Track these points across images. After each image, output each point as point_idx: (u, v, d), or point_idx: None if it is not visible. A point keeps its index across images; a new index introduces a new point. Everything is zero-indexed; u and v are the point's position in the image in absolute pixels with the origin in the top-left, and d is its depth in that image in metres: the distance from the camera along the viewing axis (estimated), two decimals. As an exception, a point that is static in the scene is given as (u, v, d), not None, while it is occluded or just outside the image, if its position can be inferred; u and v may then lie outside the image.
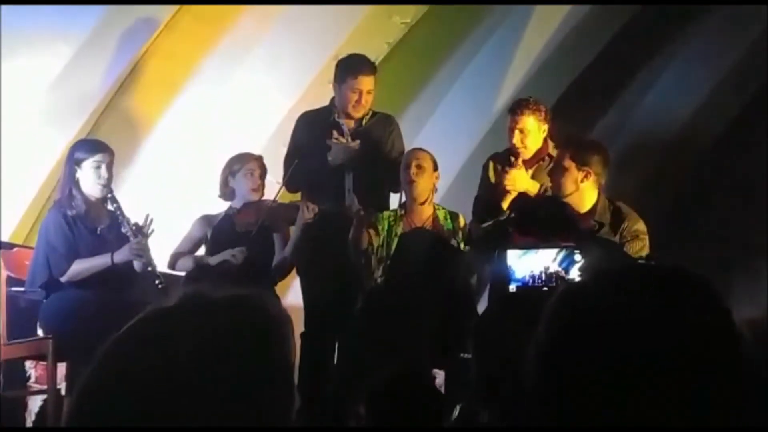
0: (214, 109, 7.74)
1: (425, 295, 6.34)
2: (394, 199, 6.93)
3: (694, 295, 1.57)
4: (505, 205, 6.62)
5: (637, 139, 9.35)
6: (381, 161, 6.72)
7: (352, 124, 6.78)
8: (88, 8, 6.86)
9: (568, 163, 6.22)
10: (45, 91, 6.96)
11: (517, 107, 6.74)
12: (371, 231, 6.50)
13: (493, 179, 6.81)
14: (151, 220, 6.15)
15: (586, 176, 6.20)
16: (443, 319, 6.25)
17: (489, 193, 6.80)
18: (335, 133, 6.67)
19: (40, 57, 6.85)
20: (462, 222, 6.65)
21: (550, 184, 6.53)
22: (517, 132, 6.67)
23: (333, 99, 6.86)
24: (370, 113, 6.81)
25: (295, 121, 7.00)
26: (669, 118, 9.44)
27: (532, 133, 6.68)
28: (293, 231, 6.52)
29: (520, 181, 6.59)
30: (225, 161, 6.69)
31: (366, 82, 6.69)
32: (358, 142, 6.62)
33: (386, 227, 6.56)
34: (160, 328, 1.51)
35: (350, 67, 6.75)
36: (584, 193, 6.25)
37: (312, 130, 6.74)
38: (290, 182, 6.76)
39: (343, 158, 6.61)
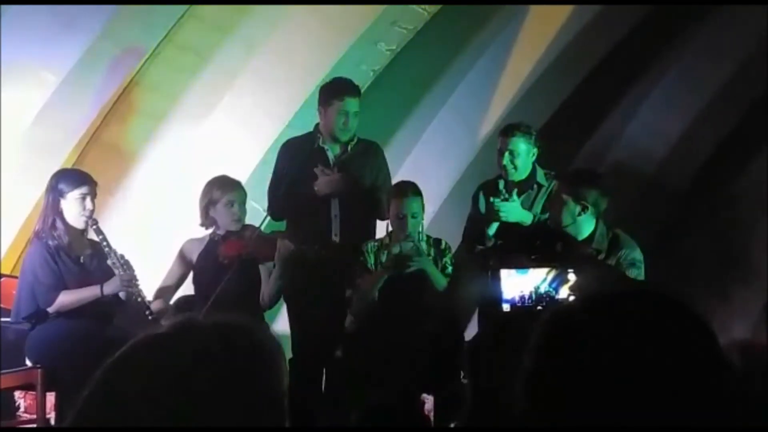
0: (199, 139, 7.74)
1: (412, 323, 6.35)
2: (380, 225, 6.93)
3: (679, 321, 1.58)
4: (491, 231, 6.68)
5: (621, 164, 9.40)
6: (367, 190, 6.73)
7: (337, 149, 6.78)
8: (74, 37, 6.87)
9: (565, 197, 6.26)
10: (31, 121, 6.96)
11: (507, 129, 6.81)
12: (366, 275, 6.54)
13: (483, 210, 6.85)
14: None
15: (583, 209, 6.24)
16: (431, 346, 6.26)
17: (480, 223, 6.84)
18: (321, 165, 6.67)
19: (26, 86, 6.85)
20: (444, 246, 6.66)
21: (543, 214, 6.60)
22: (507, 154, 6.72)
23: (317, 125, 6.85)
24: (356, 139, 6.81)
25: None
26: (650, 148, 9.51)
27: (522, 155, 6.72)
28: (274, 270, 6.47)
29: (514, 213, 6.64)
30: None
31: (352, 104, 6.70)
32: (341, 175, 6.62)
33: (373, 261, 6.58)
34: (152, 354, 1.52)
35: (336, 89, 6.75)
36: (582, 223, 6.29)
37: (296, 158, 6.73)
38: (275, 209, 6.76)
39: (328, 189, 6.62)
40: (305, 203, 6.61)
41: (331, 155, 6.75)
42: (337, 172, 6.66)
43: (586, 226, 6.29)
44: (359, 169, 6.74)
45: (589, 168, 7.02)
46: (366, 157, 6.85)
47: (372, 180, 6.80)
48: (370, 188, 6.75)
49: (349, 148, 6.78)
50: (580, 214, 6.24)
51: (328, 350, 6.56)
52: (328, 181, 6.61)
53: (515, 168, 6.74)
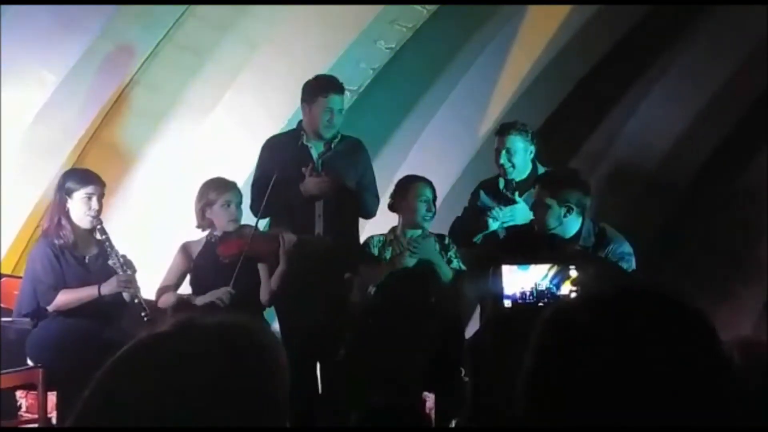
0: (199, 138, 7.74)
1: (413, 320, 6.35)
2: (362, 224, 6.95)
3: (679, 320, 1.58)
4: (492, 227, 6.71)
5: (621, 163, 9.40)
6: (352, 189, 6.71)
7: (321, 147, 6.74)
8: (74, 37, 6.87)
9: (549, 201, 6.22)
10: (31, 120, 6.96)
11: (503, 128, 6.86)
12: (373, 263, 6.55)
13: (482, 205, 6.88)
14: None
15: (568, 211, 6.22)
16: (432, 343, 6.25)
17: (474, 219, 6.86)
18: (308, 165, 6.63)
19: (26, 86, 6.85)
20: (447, 242, 6.66)
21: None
22: (503, 152, 6.76)
23: (300, 122, 6.83)
24: (339, 136, 6.80)
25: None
26: (650, 146, 9.51)
27: (519, 153, 6.76)
28: (279, 265, 6.46)
29: (520, 215, 6.66)
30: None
31: (337, 101, 6.67)
32: (330, 179, 6.59)
33: (377, 255, 6.59)
34: (152, 354, 1.52)
35: (321, 86, 6.71)
36: (568, 224, 6.27)
37: (280, 155, 6.71)
38: (263, 209, 6.72)
39: (315, 191, 6.60)
40: (290, 201, 6.58)
41: (314, 153, 6.72)
42: (324, 173, 6.63)
43: (572, 225, 6.27)
44: (344, 167, 6.72)
45: (567, 169, 7.03)
46: (350, 154, 6.82)
47: (357, 178, 6.78)
48: (355, 187, 6.75)
49: (332, 146, 6.75)
50: (566, 216, 6.22)
51: (325, 347, 6.55)
52: (315, 183, 6.57)
53: (513, 166, 6.77)
